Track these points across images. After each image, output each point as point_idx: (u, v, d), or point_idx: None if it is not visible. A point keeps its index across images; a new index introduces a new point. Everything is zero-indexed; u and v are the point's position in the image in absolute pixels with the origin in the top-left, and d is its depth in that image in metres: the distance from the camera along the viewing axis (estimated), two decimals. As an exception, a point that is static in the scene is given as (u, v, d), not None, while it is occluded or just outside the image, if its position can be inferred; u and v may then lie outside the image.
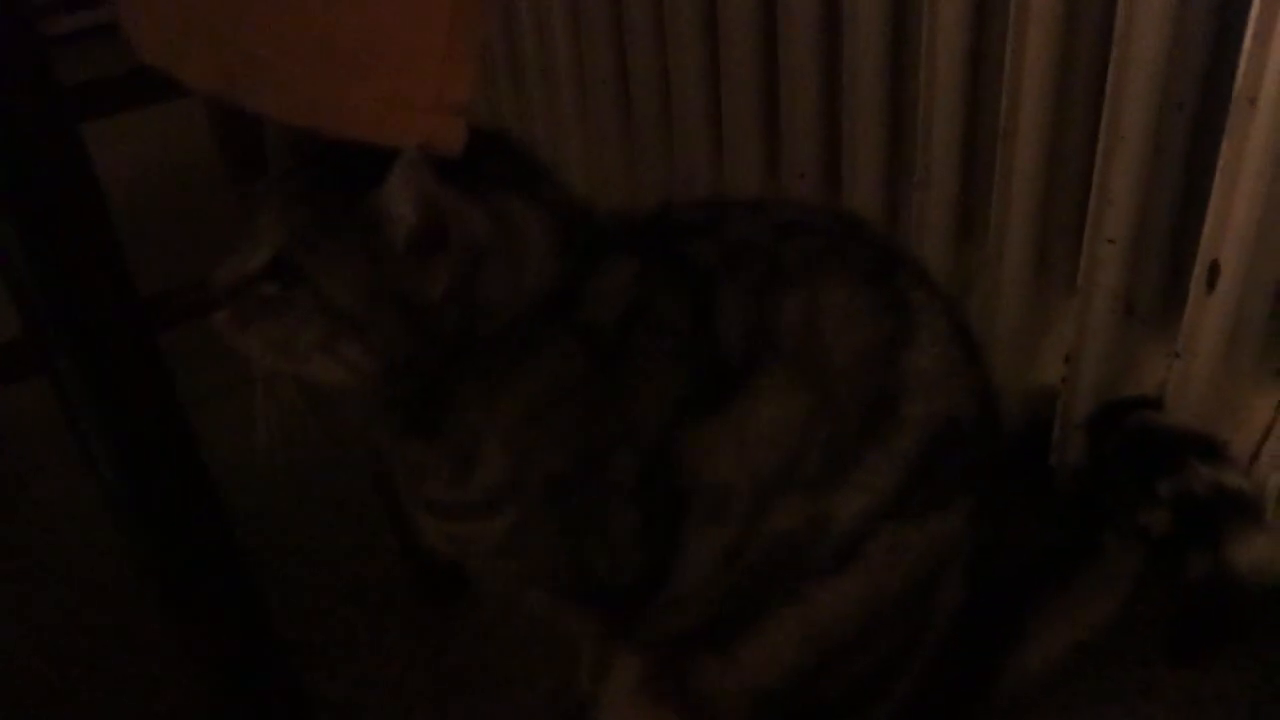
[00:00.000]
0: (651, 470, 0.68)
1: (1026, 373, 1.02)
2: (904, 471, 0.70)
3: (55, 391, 1.04)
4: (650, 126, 1.27)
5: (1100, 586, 0.88)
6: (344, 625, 1.08)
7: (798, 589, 0.71)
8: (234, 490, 0.85)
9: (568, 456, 0.67)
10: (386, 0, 0.62)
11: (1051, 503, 1.01)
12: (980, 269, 1.02)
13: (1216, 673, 0.95)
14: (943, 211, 1.03)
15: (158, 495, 0.82)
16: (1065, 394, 0.98)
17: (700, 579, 0.71)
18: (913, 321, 0.72)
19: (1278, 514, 0.85)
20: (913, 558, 0.72)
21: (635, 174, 1.31)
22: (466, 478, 0.69)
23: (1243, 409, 0.88)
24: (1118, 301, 0.93)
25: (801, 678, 0.74)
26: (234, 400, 0.79)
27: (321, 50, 0.65)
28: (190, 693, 1.00)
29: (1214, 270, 0.83)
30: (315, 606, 1.10)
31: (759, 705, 0.76)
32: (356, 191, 0.63)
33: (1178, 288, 0.91)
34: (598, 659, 0.84)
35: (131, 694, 1.04)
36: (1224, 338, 0.86)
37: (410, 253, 0.63)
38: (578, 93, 1.35)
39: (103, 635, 1.11)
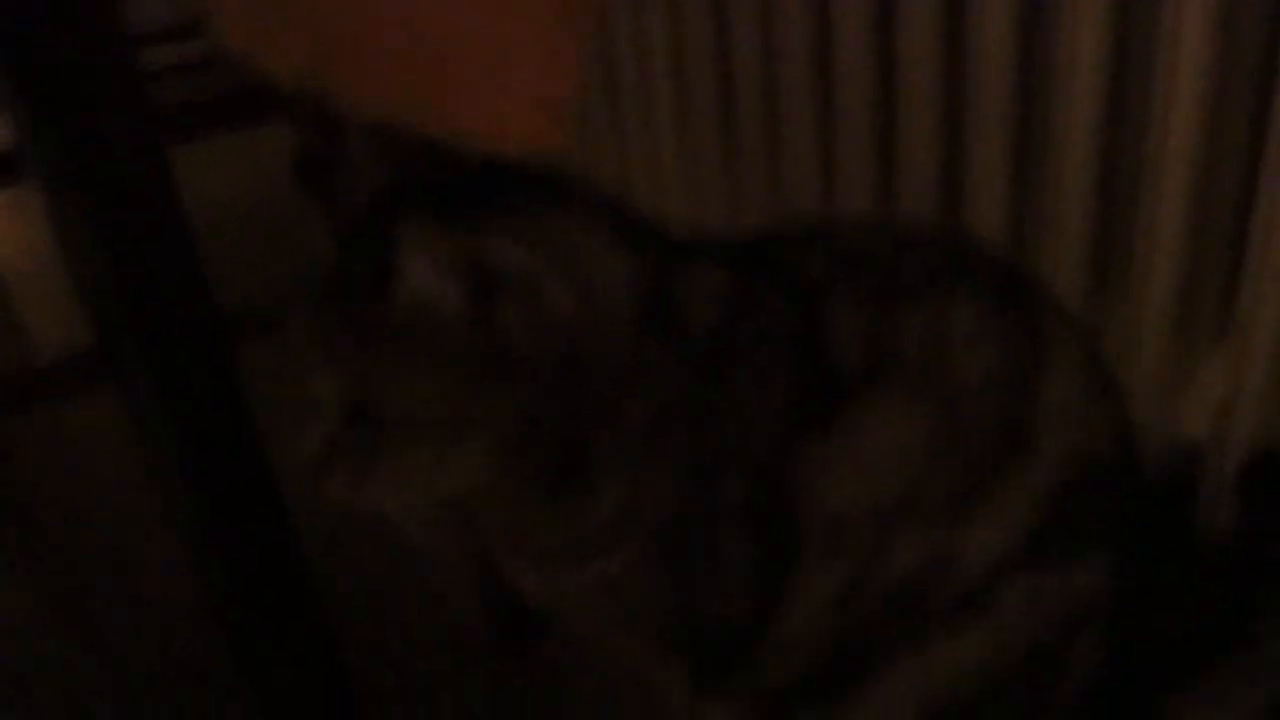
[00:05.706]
0: (762, 495, 0.61)
1: (1167, 426, 0.93)
2: (1038, 511, 0.63)
3: (124, 408, 1.03)
4: (756, 159, 1.21)
5: (1248, 679, 0.79)
6: (419, 671, 1.04)
7: (918, 638, 0.64)
8: (305, 527, 0.80)
9: (679, 482, 0.61)
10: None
11: (1195, 571, 0.91)
12: (1113, 315, 0.94)
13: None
14: (1074, 251, 0.95)
15: (228, 522, 0.78)
16: (1216, 448, 0.89)
17: (811, 622, 0.64)
18: (1048, 348, 0.65)
19: None
20: (1047, 612, 0.64)
21: (737, 208, 1.25)
22: (582, 517, 0.62)
23: None
24: (1280, 345, 0.84)
25: (915, 739, 0.66)
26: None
27: (413, 40, 0.63)
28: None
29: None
30: (390, 651, 1.06)
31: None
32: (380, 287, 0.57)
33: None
34: (686, 713, 0.77)
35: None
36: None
37: (473, 320, 0.57)
38: (677, 121, 1.29)
39: (166, 663, 1.08)
